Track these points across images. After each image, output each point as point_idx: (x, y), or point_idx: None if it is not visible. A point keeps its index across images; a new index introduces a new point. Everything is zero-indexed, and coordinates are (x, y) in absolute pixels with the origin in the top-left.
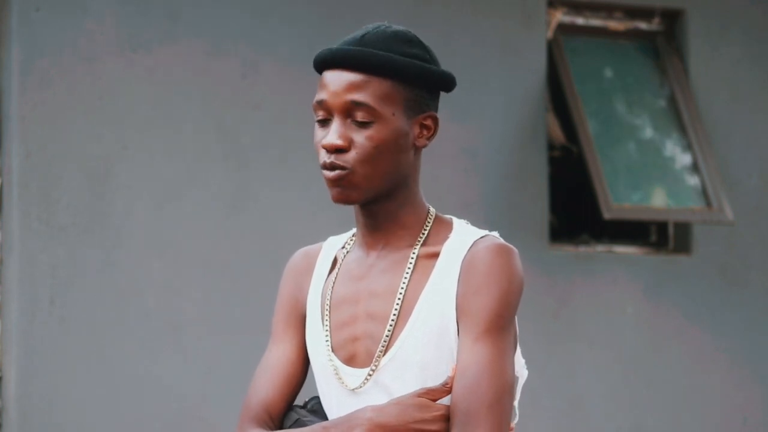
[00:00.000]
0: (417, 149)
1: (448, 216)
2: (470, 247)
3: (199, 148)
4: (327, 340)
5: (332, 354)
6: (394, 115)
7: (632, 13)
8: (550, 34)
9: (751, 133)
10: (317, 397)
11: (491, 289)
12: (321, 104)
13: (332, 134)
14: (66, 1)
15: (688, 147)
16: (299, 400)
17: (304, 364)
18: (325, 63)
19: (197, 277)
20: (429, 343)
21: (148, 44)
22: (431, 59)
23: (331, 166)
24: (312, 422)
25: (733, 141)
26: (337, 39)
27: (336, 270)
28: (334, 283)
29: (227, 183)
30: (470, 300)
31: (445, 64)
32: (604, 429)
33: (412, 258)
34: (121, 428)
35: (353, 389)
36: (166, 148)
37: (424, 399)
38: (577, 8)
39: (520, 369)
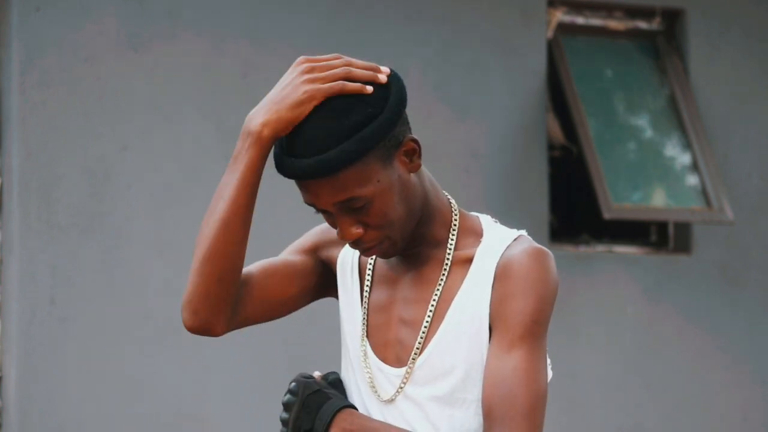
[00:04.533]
0: (416, 172)
1: (473, 213)
2: (504, 251)
3: (199, 148)
4: (364, 346)
5: (369, 350)
6: (379, 181)
7: (632, 12)
8: (550, 33)
9: (751, 133)
10: (336, 373)
11: (527, 295)
12: (312, 205)
13: (344, 229)
14: (66, 1)
15: (688, 147)
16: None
17: (300, 282)
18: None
19: None
20: (461, 349)
21: (149, 44)
22: (377, 101)
23: (362, 250)
24: (333, 395)
25: (733, 141)
26: (338, 38)
27: (370, 265)
28: (370, 285)
29: None
30: (505, 306)
31: (446, 63)
32: (604, 429)
33: (446, 264)
34: (120, 428)
35: (385, 401)
36: (166, 148)
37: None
38: (577, 8)
39: (548, 368)
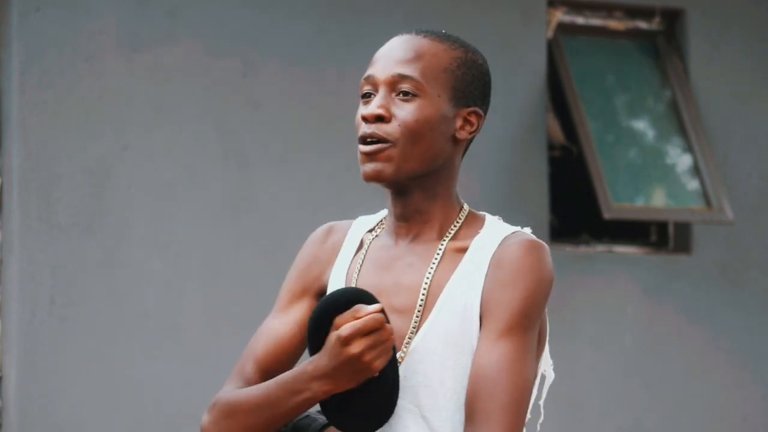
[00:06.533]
0: (457, 142)
1: (482, 213)
2: (500, 243)
3: (199, 148)
4: None
5: None
6: (439, 96)
7: (632, 12)
8: (550, 33)
9: (751, 133)
10: None
11: (518, 286)
12: (368, 79)
13: (373, 105)
14: (66, 1)
15: (688, 147)
16: None
17: (303, 339)
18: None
19: (197, 277)
20: (450, 337)
21: (148, 44)
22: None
23: (370, 137)
24: (317, 416)
25: (733, 141)
26: (337, 38)
27: (362, 254)
28: (359, 270)
29: (227, 183)
30: (496, 296)
31: None
32: (604, 429)
33: (440, 251)
34: (120, 428)
35: None
36: (166, 148)
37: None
38: (577, 8)
39: (548, 369)
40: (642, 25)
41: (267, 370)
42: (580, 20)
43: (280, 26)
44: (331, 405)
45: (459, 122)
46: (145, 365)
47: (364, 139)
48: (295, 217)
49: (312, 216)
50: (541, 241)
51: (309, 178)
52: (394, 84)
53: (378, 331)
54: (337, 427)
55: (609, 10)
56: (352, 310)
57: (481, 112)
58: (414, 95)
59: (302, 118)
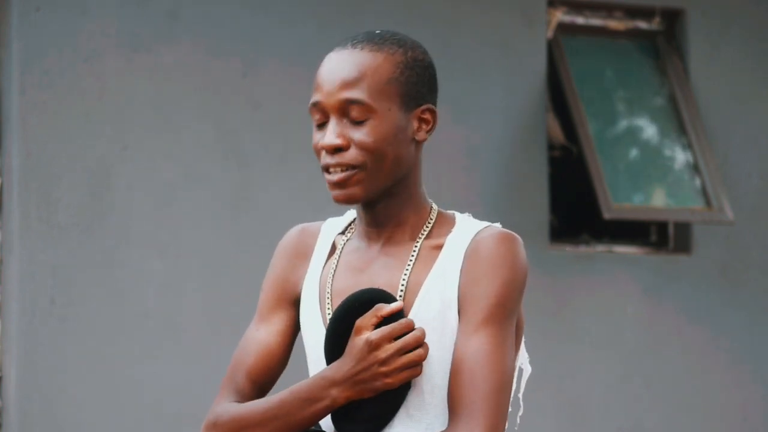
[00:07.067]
0: (417, 144)
1: (450, 211)
2: (474, 237)
3: (199, 148)
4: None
5: None
6: (390, 110)
7: (632, 12)
8: (550, 33)
9: (751, 133)
10: None
11: (493, 278)
12: (316, 106)
13: (330, 134)
14: (66, 1)
15: (688, 147)
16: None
17: (288, 348)
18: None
19: (197, 277)
20: (431, 333)
21: (148, 44)
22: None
23: (334, 168)
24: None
25: (733, 141)
26: (337, 38)
27: (335, 258)
28: (333, 273)
29: (227, 183)
30: (471, 288)
31: (446, 64)
32: (604, 429)
33: (415, 250)
34: (120, 428)
35: None
36: (166, 148)
37: (375, 339)
38: (577, 8)
39: (525, 362)
40: (642, 25)
41: (258, 382)
42: (580, 20)
43: (280, 26)
44: (340, 411)
45: (415, 124)
46: (145, 365)
47: (328, 168)
48: (295, 217)
49: (312, 216)
50: (513, 233)
51: (309, 178)
52: (343, 110)
53: (406, 337)
54: (338, 430)
55: (609, 10)
56: (372, 310)
57: (433, 107)
58: (366, 118)
59: (302, 118)
